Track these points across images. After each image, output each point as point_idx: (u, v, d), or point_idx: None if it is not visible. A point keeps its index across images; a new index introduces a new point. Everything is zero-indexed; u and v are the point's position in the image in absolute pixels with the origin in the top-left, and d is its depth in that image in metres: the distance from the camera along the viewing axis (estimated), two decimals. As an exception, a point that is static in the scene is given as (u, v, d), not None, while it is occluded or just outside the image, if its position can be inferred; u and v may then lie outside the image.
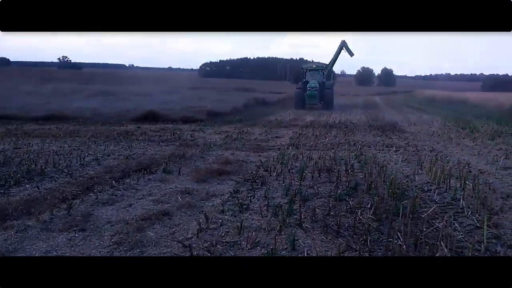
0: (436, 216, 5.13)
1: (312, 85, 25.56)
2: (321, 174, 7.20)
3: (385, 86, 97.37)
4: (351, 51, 29.24)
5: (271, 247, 4.03)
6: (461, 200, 5.69)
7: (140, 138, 11.26)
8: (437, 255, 3.85)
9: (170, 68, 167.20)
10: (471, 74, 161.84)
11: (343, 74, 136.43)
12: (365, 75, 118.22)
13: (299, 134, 12.95)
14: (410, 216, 4.89)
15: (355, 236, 4.46)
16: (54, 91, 24.90)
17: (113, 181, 6.41)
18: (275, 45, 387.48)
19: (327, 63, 29.43)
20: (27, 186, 6.20)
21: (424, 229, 4.52)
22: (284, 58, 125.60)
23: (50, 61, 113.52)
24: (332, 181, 6.70)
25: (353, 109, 27.34)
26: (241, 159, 8.61)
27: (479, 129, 14.60)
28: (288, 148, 9.95)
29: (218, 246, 4.12)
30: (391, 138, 12.39)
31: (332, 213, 5.16)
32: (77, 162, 7.82)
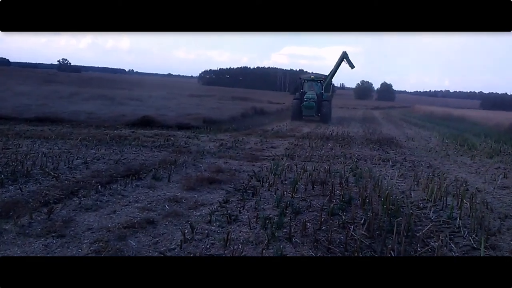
0: (432, 235, 4.94)
1: (310, 96, 24.60)
2: (315, 186, 7.01)
3: (384, 101, 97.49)
4: (352, 63, 27.88)
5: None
6: (458, 219, 5.50)
7: (133, 143, 11.04)
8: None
9: (169, 75, 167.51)
10: (470, 91, 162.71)
11: (342, 87, 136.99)
12: (364, 89, 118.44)
13: (295, 145, 12.77)
14: (405, 234, 4.70)
15: (346, 253, 4.27)
16: (51, 93, 24.69)
17: (99, 186, 6.20)
18: (275, 55, 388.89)
19: (327, 74, 28.34)
20: (10, 187, 5.99)
21: (419, 249, 4.34)
22: (284, 68, 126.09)
23: (50, 63, 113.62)
24: (325, 194, 6.50)
25: (351, 122, 27.18)
26: (234, 168, 8.42)
27: (477, 147, 14.45)
28: (282, 159, 9.76)
29: (202, 259, 3.91)
30: (387, 153, 12.22)
31: (323, 227, 4.97)
32: (65, 165, 7.61)
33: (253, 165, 8.99)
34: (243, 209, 5.57)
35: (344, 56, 27.62)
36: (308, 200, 6.09)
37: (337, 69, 27.82)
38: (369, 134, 18.26)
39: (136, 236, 4.48)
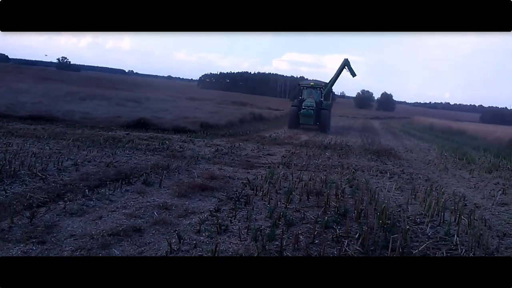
0: (428, 252, 4.75)
1: (308, 103, 23.40)
2: (310, 197, 6.83)
3: (384, 111, 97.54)
4: (353, 71, 26.92)
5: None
6: (455, 236, 5.32)
7: (127, 145, 10.84)
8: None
9: (169, 77, 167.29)
10: (470, 105, 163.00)
11: (342, 95, 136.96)
12: (364, 98, 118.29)
13: (292, 153, 12.59)
14: (400, 250, 4.52)
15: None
16: (47, 91, 24.43)
17: (87, 190, 6.00)
18: (276, 61, 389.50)
19: (327, 82, 27.32)
20: (-6, 188, 5.78)
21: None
22: (285, 75, 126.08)
23: (49, 61, 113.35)
24: (320, 206, 6.32)
25: (350, 131, 27.00)
26: (228, 175, 8.23)
27: (476, 161, 14.28)
28: (278, 167, 9.58)
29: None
30: (385, 164, 12.04)
31: (316, 241, 4.78)
32: (54, 166, 7.41)
33: (248, 172, 8.80)
34: (234, 218, 5.38)
35: (346, 64, 26.75)
36: (302, 212, 5.90)
37: (338, 76, 26.97)
38: (368, 144, 18.09)
39: (121, 245, 4.29)
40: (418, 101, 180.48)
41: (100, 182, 6.56)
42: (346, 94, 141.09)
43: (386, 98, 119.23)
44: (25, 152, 8.59)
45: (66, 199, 5.59)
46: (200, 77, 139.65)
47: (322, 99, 24.88)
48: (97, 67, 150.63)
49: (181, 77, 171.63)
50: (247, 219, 5.38)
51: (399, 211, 6.59)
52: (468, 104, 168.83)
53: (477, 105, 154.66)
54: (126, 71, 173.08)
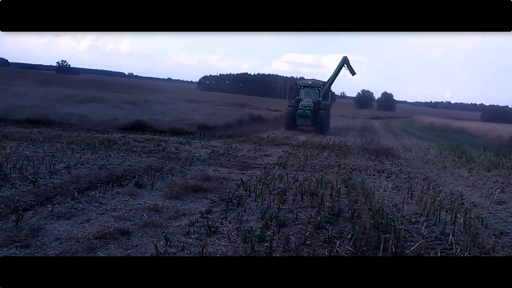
0: (422, 252, 4.66)
1: (305, 104, 22.29)
2: (304, 197, 6.73)
3: (384, 111, 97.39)
4: (353, 69, 26.19)
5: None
6: (451, 235, 5.22)
7: (122, 147, 10.76)
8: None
9: (169, 79, 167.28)
10: (471, 103, 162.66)
11: (343, 96, 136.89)
12: (364, 98, 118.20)
13: (289, 153, 12.48)
14: (393, 250, 4.43)
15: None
16: (45, 95, 24.34)
17: (76, 193, 5.91)
18: (276, 62, 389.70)
19: (326, 81, 26.34)
20: (-17, 192, 5.70)
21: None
22: (285, 76, 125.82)
23: (49, 64, 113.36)
24: (314, 206, 6.22)
25: (349, 131, 26.85)
26: (222, 176, 8.13)
27: (475, 160, 14.17)
28: (274, 168, 9.49)
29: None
30: (383, 163, 11.93)
31: (308, 242, 4.68)
32: (46, 169, 7.32)
33: (243, 173, 8.71)
34: (225, 220, 5.29)
35: (345, 62, 25.99)
36: (295, 212, 5.80)
37: (337, 75, 26.17)
38: (367, 144, 17.97)
39: (107, 248, 4.20)
40: (419, 101, 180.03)
41: (91, 185, 6.47)
42: (346, 94, 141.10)
43: (387, 98, 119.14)
44: (18, 156, 8.50)
45: (55, 202, 5.51)
46: (200, 79, 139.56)
47: (320, 99, 23.93)
48: (97, 70, 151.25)
49: (181, 79, 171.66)
50: (239, 220, 5.29)
51: (394, 210, 6.49)
52: (469, 102, 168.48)
53: (478, 103, 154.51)
54: (126, 73, 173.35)
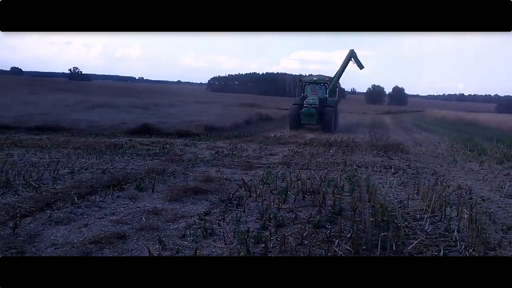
0: (424, 249, 4.56)
1: (310, 101, 21.09)
2: (306, 196, 6.64)
3: (396, 105, 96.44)
4: (360, 63, 25.04)
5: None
6: (455, 231, 5.09)
7: (128, 151, 10.79)
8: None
9: (179, 82, 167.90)
10: (485, 95, 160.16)
11: (353, 92, 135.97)
12: (375, 93, 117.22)
13: (294, 152, 12.39)
14: (393, 249, 4.33)
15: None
16: (56, 102, 24.61)
17: (76, 198, 5.92)
18: (284, 60, 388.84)
19: (333, 76, 24.96)
20: (-15, 199, 5.74)
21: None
22: (294, 74, 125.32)
23: (61, 71, 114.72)
24: (316, 205, 6.13)
25: (358, 127, 26.61)
26: (225, 177, 8.08)
27: (487, 152, 13.91)
28: (277, 167, 9.41)
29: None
30: (391, 159, 11.76)
31: (305, 242, 4.60)
32: (50, 175, 7.35)
33: (247, 173, 8.66)
34: (223, 221, 5.24)
35: (352, 55, 24.84)
36: (295, 211, 5.72)
37: (344, 69, 24.91)
38: (376, 139, 17.78)
39: (102, 253, 4.19)
40: (431, 94, 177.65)
41: (92, 189, 6.48)
42: (357, 90, 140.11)
43: (398, 92, 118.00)
44: (24, 162, 8.57)
45: (55, 207, 5.51)
46: (208, 81, 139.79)
47: (327, 96, 22.72)
48: (108, 75, 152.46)
49: (190, 82, 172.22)
50: (237, 221, 5.23)
51: (399, 207, 6.37)
52: (483, 94, 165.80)
53: (492, 94, 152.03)
54: (136, 78, 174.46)
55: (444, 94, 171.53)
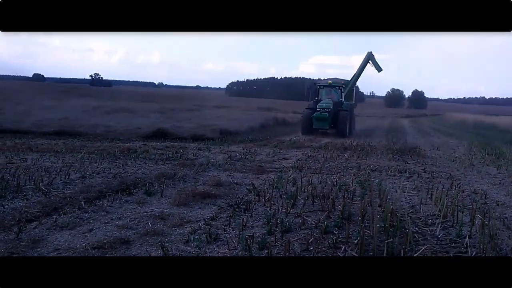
0: (433, 256, 4.41)
1: (324, 105, 20.23)
2: (316, 201, 6.53)
3: (416, 109, 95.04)
4: (378, 65, 24.32)
5: None
6: (467, 237, 4.93)
7: (141, 156, 10.85)
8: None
9: (198, 87, 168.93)
10: (507, 98, 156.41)
11: (372, 95, 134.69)
12: (394, 97, 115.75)
13: (308, 156, 12.28)
14: (401, 255, 4.20)
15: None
16: (75, 107, 25.01)
17: (83, 202, 5.94)
18: (303, 65, 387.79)
19: (349, 79, 24.43)
20: (-6, 204, 5.80)
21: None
22: (312, 78, 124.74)
23: (83, 78, 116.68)
24: (325, 210, 6.02)
25: (375, 131, 26.26)
26: (235, 181, 8.03)
27: (506, 156, 13.55)
28: (289, 171, 9.31)
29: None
30: (407, 163, 11.54)
31: (311, 248, 4.51)
32: (60, 180, 7.42)
33: (258, 177, 8.59)
34: (229, 226, 5.18)
35: (370, 57, 24.21)
36: (303, 216, 5.62)
37: (362, 72, 24.30)
38: (392, 143, 17.50)
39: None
40: (452, 97, 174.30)
41: (100, 194, 6.50)
42: (376, 94, 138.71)
43: (418, 96, 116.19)
44: (37, 167, 8.68)
45: (61, 212, 5.54)
46: (227, 85, 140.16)
47: (342, 99, 21.96)
48: (129, 81, 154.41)
49: (209, 86, 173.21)
50: (243, 227, 5.16)
51: (411, 212, 6.22)
52: (505, 97, 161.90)
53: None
54: (156, 83, 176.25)
55: (464, 98, 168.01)
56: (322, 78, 23.33)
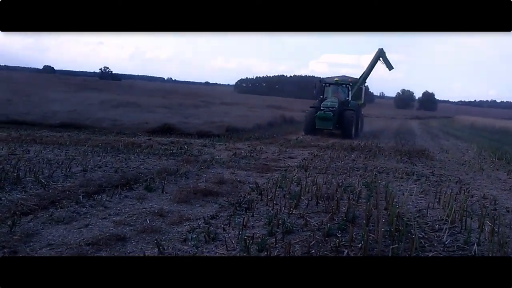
0: (433, 256, 4.24)
1: (328, 104, 18.97)
2: (320, 202, 6.36)
3: (425, 110, 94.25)
4: (390, 63, 23.35)
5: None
6: (475, 244, 4.73)
7: (144, 151, 10.73)
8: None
9: (207, 83, 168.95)
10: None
11: (382, 96, 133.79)
12: (405, 98, 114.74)
13: (314, 155, 12.09)
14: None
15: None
16: (83, 100, 25.03)
17: (81, 197, 5.82)
18: (314, 63, 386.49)
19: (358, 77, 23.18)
20: (-8, 196, 5.70)
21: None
22: (322, 77, 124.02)
23: (92, 71, 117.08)
24: (329, 211, 5.84)
25: (384, 132, 25.96)
26: (239, 179, 7.87)
27: (517, 160, 13.26)
28: (294, 170, 9.14)
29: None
30: (415, 165, 11.32)
31: (312, 251, 4.34)
32: (61, 173, 7.32)
33: (262, 176, 8.43)
34: (228, 226, 5.03)
35: (381, 54, 23.02)
36: (306, 217, 5.45)
37: (372, 69, 23.16)
38: (401, 145, 17.26)
39: (98, 255, 4.03)
40: (463, 100, 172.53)
41: (100, 188, 6.38)
42: (385, 94, 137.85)
43: (428, 97, 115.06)
44: (39, 159, 8.59)
45: (59, 206, 5.42)
46: (236, 82, 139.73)
47: (349, 98, 20.57)
48: (138, 76, 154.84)
49: (218, 83, 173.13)
50: (244, 226, 5.00)
51: (418, 216, 6.03)
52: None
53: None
54: (165, 78, 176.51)
55: (475, 101, 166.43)
56: (334, 77, 22.35)
